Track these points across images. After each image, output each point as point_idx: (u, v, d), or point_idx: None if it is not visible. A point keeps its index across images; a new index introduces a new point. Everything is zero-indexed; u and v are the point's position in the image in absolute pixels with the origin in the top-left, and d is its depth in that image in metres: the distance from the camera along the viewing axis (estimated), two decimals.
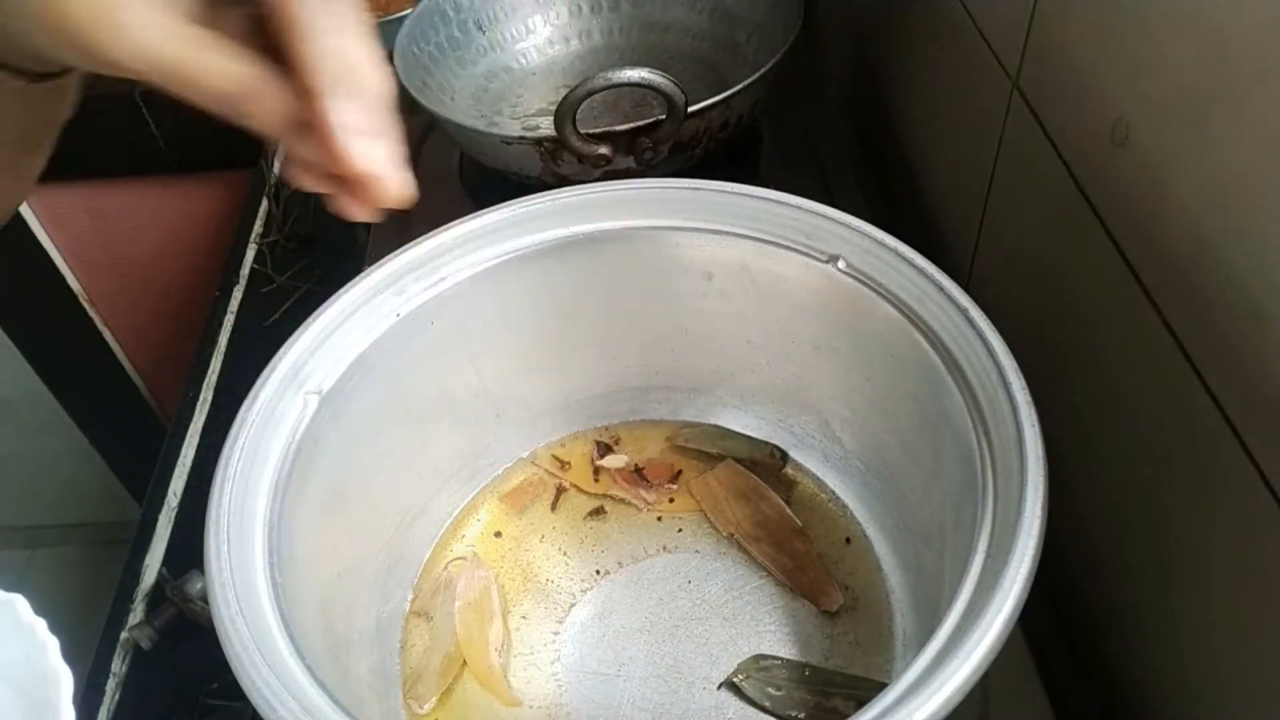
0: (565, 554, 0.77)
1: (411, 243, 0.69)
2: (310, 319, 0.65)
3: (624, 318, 0.77)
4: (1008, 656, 0.54)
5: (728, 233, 0.70)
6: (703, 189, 0.70)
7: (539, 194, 0.71)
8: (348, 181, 0.43)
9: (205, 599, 0.58)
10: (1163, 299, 0.55)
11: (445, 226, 0.70)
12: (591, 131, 0.88)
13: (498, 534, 0.79)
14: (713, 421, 0.83)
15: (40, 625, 0.55)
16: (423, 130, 1.15)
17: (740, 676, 0.69)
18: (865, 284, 0.66)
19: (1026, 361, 0.60)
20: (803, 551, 0.74)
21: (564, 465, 0.82)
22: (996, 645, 0.48)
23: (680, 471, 0.81)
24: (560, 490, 0.81)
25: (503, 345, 0.76)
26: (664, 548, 0.77)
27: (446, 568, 0.77)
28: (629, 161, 0.91)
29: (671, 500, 0.80)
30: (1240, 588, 0.53)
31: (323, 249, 1.33)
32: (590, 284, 0.74)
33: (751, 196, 0.69)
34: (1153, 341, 0.56)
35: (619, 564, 0.76)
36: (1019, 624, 0.68)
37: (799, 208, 0.68)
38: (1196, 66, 0.50)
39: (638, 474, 0.81)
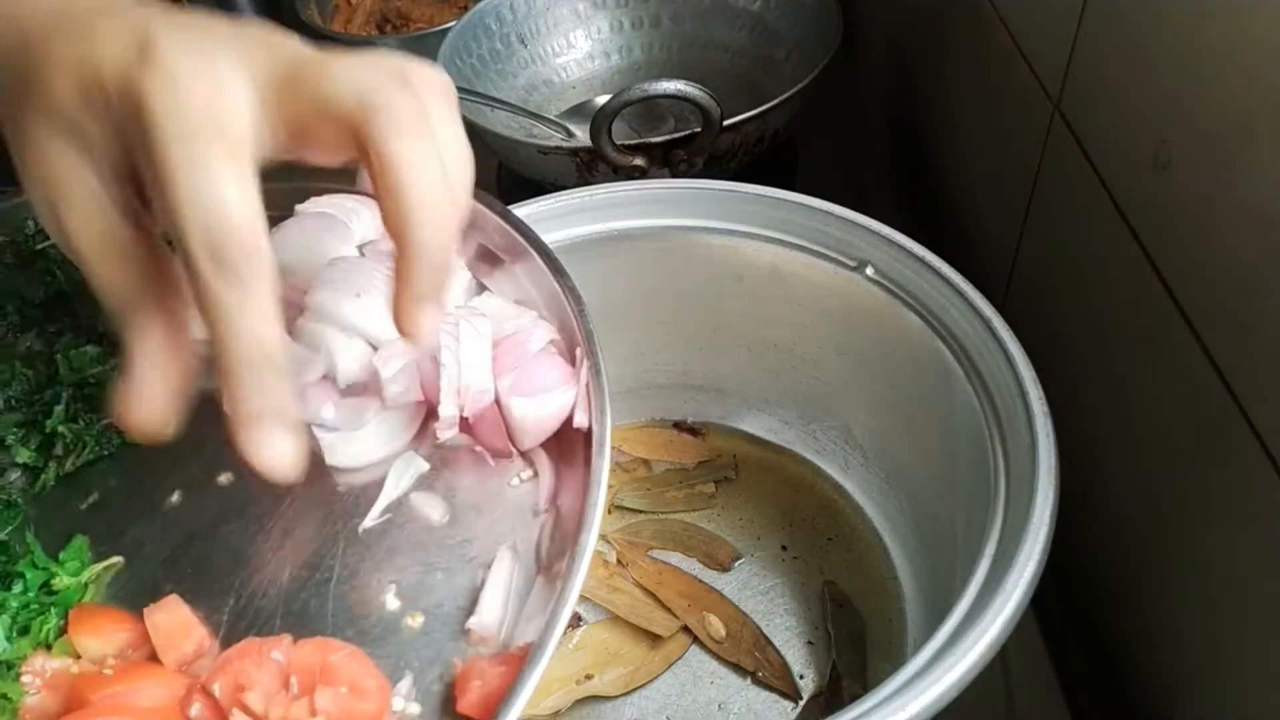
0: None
1: None
2: None
3: (654, 315, 0.79)
4: (1030, 661, 0.54)
5: (759, 235, 0.71)
6: (736, 191, 0.71)
7: (574, 189, 0.72)
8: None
9: None
10: (1202, 326, 0.55)
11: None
12: (627, 143, 0.90)
13: None
14: (736, 425, 0.84)
15: None
16: None
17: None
18: (892, 291, 0.67)
19: (1059, 377, 0.60)
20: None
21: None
22: (993, 648, 0.48)
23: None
24: None
25: None
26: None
27: None
28: (663, 174, 0.93)
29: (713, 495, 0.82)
30: (1267, 599, 0.53)
31: None
32: (622, 281, 0.75)
33: (783, 200, 0.70)
34: (1190, 368, 0.55)
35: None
36: (1039, 630, 0.69)
37: (829, 213, 0.69)
38: (1241, 91, 0.50)
39: None
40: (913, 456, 0.71)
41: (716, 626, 0.72)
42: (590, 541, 0.47)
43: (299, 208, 0.63)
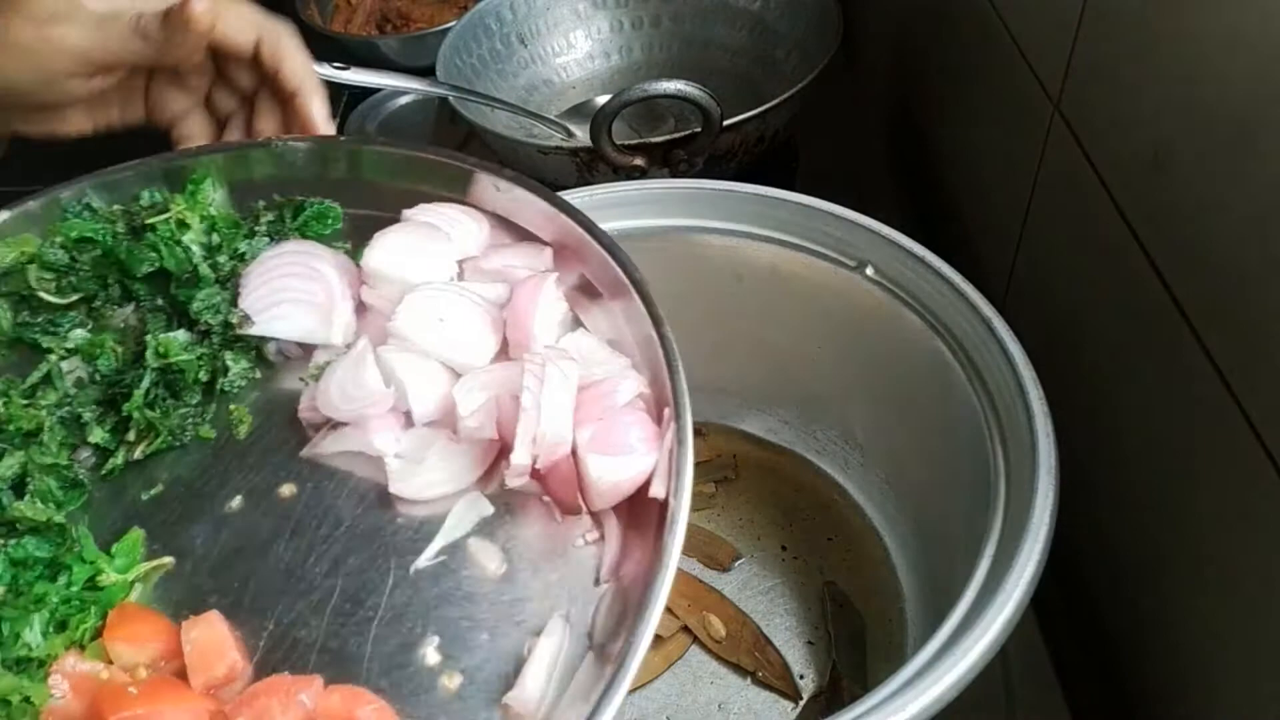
0: None
1: None
2: None
3: None
4: (1030, 661, 0.54)
5: (759, 235, 0.71)
6: (735, 191, 0.71)
7: (574, 189, 0.72)
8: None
9: None
10: (1202, 326, 0.55)
11: None
12: (627, 143, 0.90)
13: None
14: (736, 425, 0.84)
15: None
16: (461, 139, 1.17)
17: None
18: (892, 291, 0.67)
19: (1060, 377, 0.60)
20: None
21: None
22: (993, 648, 0.48)
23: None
24: None
25: None
26: None
27: None
28: (663, 174, 0.93)
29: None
30: (1267, 599, 0.53)
31: None
32: None
33: (782, 200, 0.70)
34: (1190, 368, 0.55)
35: None
36: (1039, 630, 0.69)
37: (829, 213, 0.69)
38: (1240, 91, 0.50)
39: None
40: (913, 456, 0.71)
41: (716, 626, 0.72)
42: (648, 632, 0.44)
43: (406, 213, 0.62)
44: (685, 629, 0.73)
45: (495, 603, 0.50)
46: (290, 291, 0.60)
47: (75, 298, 0.61)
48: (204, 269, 0.60)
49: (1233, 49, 0.50)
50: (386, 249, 0.60)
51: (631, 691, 0.69)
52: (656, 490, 0.50)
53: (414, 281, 0.59)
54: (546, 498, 0.53)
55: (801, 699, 0.69)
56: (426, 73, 1.02)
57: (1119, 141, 0.62)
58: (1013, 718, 0.66)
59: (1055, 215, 0.73)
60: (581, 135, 1.02)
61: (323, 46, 1.50)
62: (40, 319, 0.60)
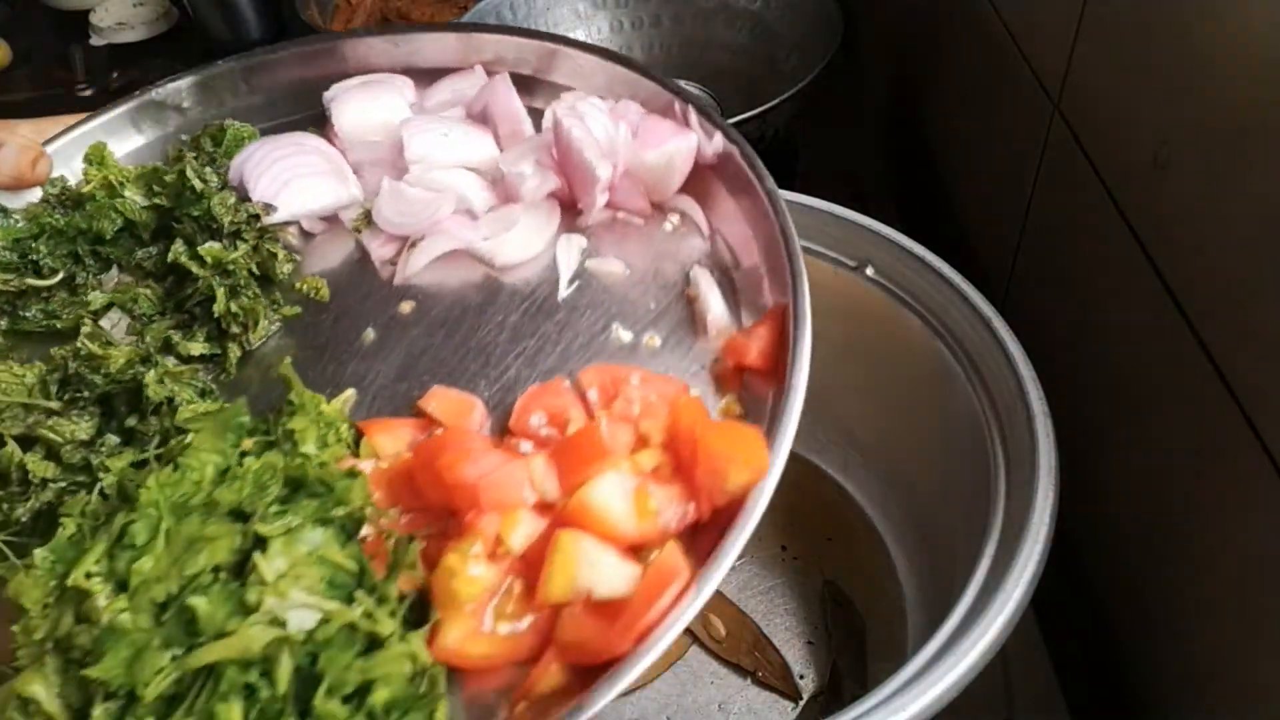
0: None
1: None
2: None
3: None
4: (1030, 661, 0.54)
5: None
6: None
7: None
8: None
9: None
10: (1202, 325, 0.55)
11: None
12: None
13: None
14: None
15: None
16: None
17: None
18: (891, 291, 0.67)
19: (1059, 376, 0.60)
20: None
21: None
22: (993, 648, 0.49)
23: None
24: None
25: None
26: None
27: None
28: None
29: None
30: (1267, 599, 0.53)
31: None
32: None
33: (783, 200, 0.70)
34: (1190, 368, 0.55)
35: None
36: (1039, 630, 0.69)
37: (829, 213, 0.69)
38: (1240, 92, 0.50)
39: None
40: (913, 456, 0.71)
41: (716, 626, 0.72)
42: (796, 248, 0.56)
43: (328, 95, 0.67)
44: (686, 629, 0.73)
45: (640, 285, 0.60)
46: (296, 169, 0.64)
47: (57, 279, 0.61)
48: (196, 183, 0.62)
49: (1232, 49, 0.50)
50: (351, 111, 0.66)
51: (632, 691, 0.70)
52: (717, 145, 0.61)
53: (392, 124, 0.65)
54: (620, 214, 0.62)
55: (801, 699, 0.69)
56: None
57: (1119, 141, 0.62)
58: (1013, 718, 0.66)
59: (1055, 215, 0.73)
60: None
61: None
62: (32, 310, 0.60)
